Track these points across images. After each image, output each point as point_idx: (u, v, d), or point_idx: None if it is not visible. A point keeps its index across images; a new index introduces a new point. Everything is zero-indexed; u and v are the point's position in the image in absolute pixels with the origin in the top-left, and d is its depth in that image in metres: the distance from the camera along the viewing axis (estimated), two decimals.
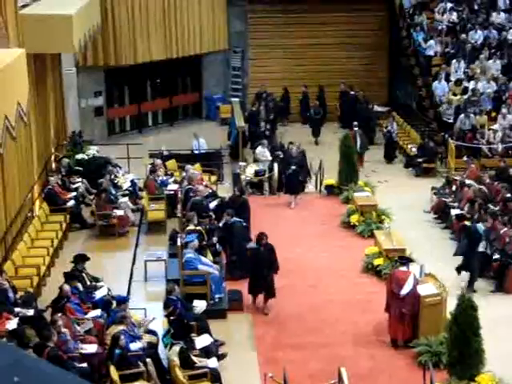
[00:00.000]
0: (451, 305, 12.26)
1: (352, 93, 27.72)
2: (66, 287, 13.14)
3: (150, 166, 20.54)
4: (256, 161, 22.28)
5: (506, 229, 16.29)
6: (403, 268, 13.33)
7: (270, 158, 21.70)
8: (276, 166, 20.98)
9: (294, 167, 20.09)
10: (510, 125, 23.36)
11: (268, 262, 14.31)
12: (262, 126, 24.79)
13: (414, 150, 24.05)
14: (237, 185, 19.55)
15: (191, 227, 15.80)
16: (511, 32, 26.74)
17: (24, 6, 17.87)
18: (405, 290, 12.93)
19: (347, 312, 14.41)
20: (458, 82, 25.21)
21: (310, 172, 21.23)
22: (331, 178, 21.18)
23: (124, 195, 19.22)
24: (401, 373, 12.30)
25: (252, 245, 14.72)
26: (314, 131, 26.92)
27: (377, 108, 27.14)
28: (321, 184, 21.30)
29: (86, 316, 13.00)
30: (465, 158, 22.04)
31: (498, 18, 27.73)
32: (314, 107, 27.56)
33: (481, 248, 15.64)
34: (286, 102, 28.55)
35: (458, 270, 15.59)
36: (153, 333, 12.77)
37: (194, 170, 19.99)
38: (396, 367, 12.47)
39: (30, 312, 12.71)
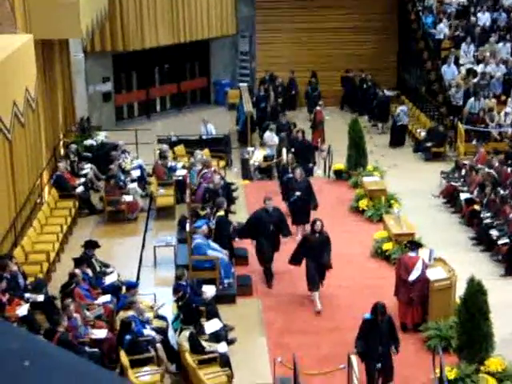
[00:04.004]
0: (461, 289, 12.25)
1: (368, 77, 27.69)
2: (77, 271, 13.19)
3: (158, 151, 20.54)
4: (263, 145, 22.28)
5: None
6: (412, 253, 13.31)
7: (277, 142, 21.67)
8: (284, 149, 20.91)
9: (298, 193, 16.93)
10: None
11: (387, 337, 11.41)
12: (269, 110, 24.75)
13: (423, 134, 23.98)
14: (315, 224, 14.21)
15: (221, 213, 15.61)
16: None
17: None
18: (413, 276, 12.92)
19: (356, 297, 14.39)
20: (470, 70, 25.08)
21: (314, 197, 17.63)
22: (340, 163, 21.14)
23: (133, 181, 19.24)
24: (410, 357, 12.30)
25: (366, 315, 11.55)
26: (309, 108, 27.03)
27: (386, 92, 27.07)
28: (329, 169, 21.26)
29: (96, 301, 13.05)
30: (474, 142, 21.97)
31: (508, 0, 27.54)
32: (311, 84, 27.69)
33: None
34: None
35: None
36: (162, 318, 12.82)
37: (203, 155, 19.99)
38: (405, 351, 12.45)
39: (41, 298, 12.76)
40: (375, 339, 11.27)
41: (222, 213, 15.62)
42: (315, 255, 13.84)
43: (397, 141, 24.52)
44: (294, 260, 14.29)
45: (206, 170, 18.40)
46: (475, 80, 24.59)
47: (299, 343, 12.72)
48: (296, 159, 19.06)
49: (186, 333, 11.71)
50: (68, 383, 2.51)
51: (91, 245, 14.56)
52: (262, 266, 15.07)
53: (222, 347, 11.78)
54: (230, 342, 12.40)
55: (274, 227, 14.93)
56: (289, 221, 16.14)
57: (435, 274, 13.16)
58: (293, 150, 20.14)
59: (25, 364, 2.48)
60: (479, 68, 25.02)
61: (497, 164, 19.42)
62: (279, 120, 23.45)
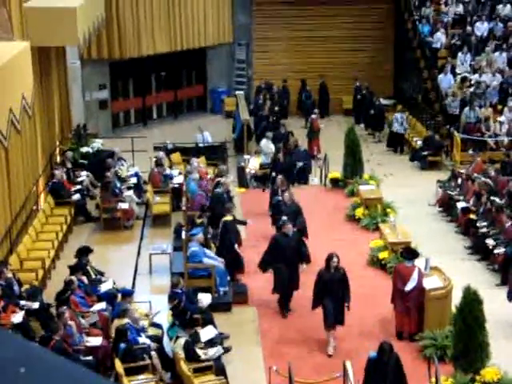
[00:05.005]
0: (456, 298, 12.24)
1: (364, 85, 27.73)
2: (74, 278, 13.16)
3: (154, 158, 20.53)
4: (259, 153, 22.29)
5: (511, 222, 16.25)
6: (408, 263, 13.26)
7: (273, 150, 21.67)
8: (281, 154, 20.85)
9: (284, 218, 15.33)
10: None
11: (394, 377, 10.90)
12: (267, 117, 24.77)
13: (419, 143, 24.02)
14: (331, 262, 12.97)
15: (228, 218, 15.47)
16: None
17: None
18: (409, 286, 12.90)
19: (352, 306, 14.34)
20: (465, 78, 25.16)
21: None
22: (336, 171, 21.14)
23: (129, 188, 19.22)
24: (406, 366, 12.21)
25: (371, 354, 11.00)
26: (305, 116, 26.89)
27: (382, 101, 27.13)
28: (325, 177, 21.27)
29: (91, 309, 13.01)
30: (470, 152, 22.00)
31: (504, 10, 27.65)
32: (306, 92, 27.73)
33: None
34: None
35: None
36: (158, 326, 12.79)
37: (199, 163, 19.98)
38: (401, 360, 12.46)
39: (36, 305, 12.73)
40: (381, 380, 10.77)
41: (229, 218, 15.45)
42: (332, 293, 12.71)
43: (391, 145, 24.87)
44: (316, 304, 12.99)
45: (219, 179, 18.18)
46: (471, 89, 24.65)
47: (295, 352, 12.69)
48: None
49: (182, 341, 11.68)
50: None
51: (84, 251, 14.52)
52: (278, 293, 14.13)
53: (217, 350, 11.76)
54: (226, 351, 12.36)
55: (293, 253, 13.99)
56: None
57: (431, 282, 13.16)
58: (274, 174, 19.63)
59: (21, 371, 2.47)
60: (474, 77, 25.08)
61: (493, 173, 19.44)
62: (279, 130, 23.43)
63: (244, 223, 16.56)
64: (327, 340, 12.80)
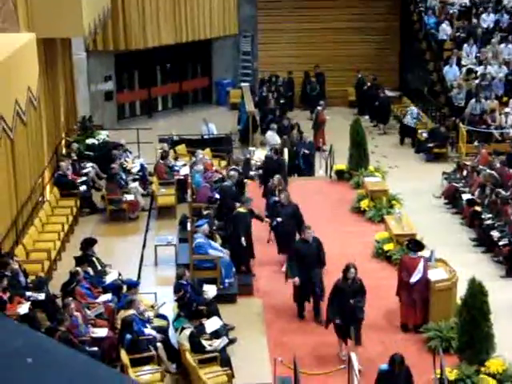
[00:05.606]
0: (461, 290, 12.26)
1: (369, 77, 27.67)
2: (79, 269, 13.20)
3: (160, 150, 20.55)
4: (264, 144, 22.29)
5: None
6: (413, 255, 13.27)
7: (279, 142, 21.67)
8: (286, 150, 20.90)
9: (279, 219, 15.35)
10: None
11: None
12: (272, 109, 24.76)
13: (424, 135, 23.98)
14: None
15: (242, 210, 15.33)
16: None
17: None
18: (414, 278, 12.92)
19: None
20: (470, 70, 25.10)
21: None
22: (341, 163, 21.12)
23: (134, 180, 19.25)
24: (411, 358, 12.26)
25: (382, 367, 10.84)
26: (310, 108, 26.95)
27: (387, 93, 27.07)
28: (331, 169, 21.26)
29: (97, 300, 13.06)
30: (476, 144, 21.96)
31: (510, 1, 27.56)
32: (310, 84, 27.68)
33: None
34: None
35: None
36: (163, 317, 12.83)
37: (204, 155, 19.99)
38: (406, 352, 12.41)
39: (42, 296, 12.77)
40: None
41: (242, 210, 15.29)
42: (348, 305, 12.10)
43: (401, 140, 24.83)
44: (330, 318, 12.39)
45: (233, 167, 18.15)
46: (477, 81, 24.60)
47: (300, 343, 12.72)
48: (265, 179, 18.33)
49: (187, 332, 11.71)
50: (70, 379, 2.52)
51: (89, 243, 14.55)
52: (296, 301, 13.80)
53: (222, 341, 11.78)
54: (231, 342, 12.40)
55: (314, 259, 13.64)
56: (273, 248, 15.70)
57: (436, 274, 13.18)
58: (260, 171, 19.59)
59: (28, 361, 2.49)
60: (480, 69, 25.03)
61: (498, 165, 19.42)
62: (282, 122, 23.41)
63: (261, 219, 16.12)
64: (339, 348, 12.50)
